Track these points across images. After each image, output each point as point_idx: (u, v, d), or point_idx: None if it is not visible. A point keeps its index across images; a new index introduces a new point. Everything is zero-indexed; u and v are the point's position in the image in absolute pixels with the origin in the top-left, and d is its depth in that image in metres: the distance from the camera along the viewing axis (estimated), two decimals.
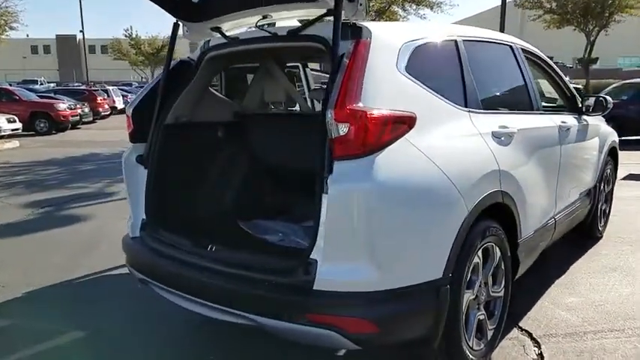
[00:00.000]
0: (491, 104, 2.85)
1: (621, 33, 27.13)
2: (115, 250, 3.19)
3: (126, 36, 43.02)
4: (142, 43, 42.92)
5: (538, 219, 3.06)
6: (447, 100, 2.41)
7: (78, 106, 19.45)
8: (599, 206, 4.49)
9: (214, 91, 3.49)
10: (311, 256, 2.04)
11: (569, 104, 3.99)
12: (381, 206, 1.95)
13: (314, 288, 2.00)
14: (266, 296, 2.09)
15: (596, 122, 4.29)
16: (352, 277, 1.98)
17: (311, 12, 2.57)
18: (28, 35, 58.28)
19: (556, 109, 3.84)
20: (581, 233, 4.36)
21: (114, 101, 25.87)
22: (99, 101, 22.96)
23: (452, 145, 2.31)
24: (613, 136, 4.66)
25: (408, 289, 2.03)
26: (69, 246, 4.78)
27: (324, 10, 2.42)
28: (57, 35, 70.72)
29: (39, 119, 17.29)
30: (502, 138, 2.65)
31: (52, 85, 38.64)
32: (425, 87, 2.28)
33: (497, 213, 2.51)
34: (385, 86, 2.12)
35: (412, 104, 2.18)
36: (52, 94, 21.75)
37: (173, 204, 2.91)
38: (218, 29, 2.86)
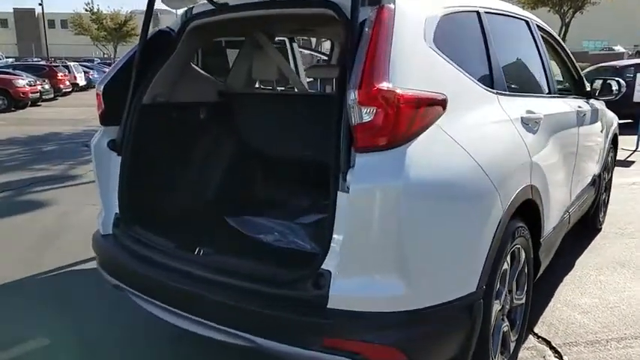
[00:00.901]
0: (514, 86, 2.56)
1: (584, 17, 27.34)
2: (82, 241, 2.81)
3: (87, 10, 41.16)
4: (103, 17, 41.19)
5: (558, 214, 2.81)
6: (475, 81, 2.09)
7: (38, 82, 18.50)
8: (601, 196, 4.31)
9: (197, 67, 3.07)
10: (323, 267, 1.70)
11: (577, 87, 3.74)
12: (415, 207, 1.62)
13: (328, 306, 1.66)
14: (269, 314, 1.75)
15: (601, 107, 4.07)
16: (375, 294, 1.65)
17: None
18: None
19: (566, 93, 3.58)
20: (583, 225, 4.16)
21: (75, 78, 24.70)
22: (60, 77, 21.82)
23: (485, 133, 2.01)
24: (615, 121, 4.46)
25: (441, 307, 1.72)
26: (31, 236, 4.33)
27: None
28: (14, 8, 67.36)
29: None
30: (530, 124, 2.36)
31: (10, 60, 36.66)
32: (454, 64, 1.95)
33: (524, 210, 2.22)
34: (414, 62, 1.78)
35: (442, 84, 1.85)
36: (10, 70, 20.55)
37: (151, 197, 2.52)
38: None
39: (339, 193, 1.67)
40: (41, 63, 26.69)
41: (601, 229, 4.46)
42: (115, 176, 2.43)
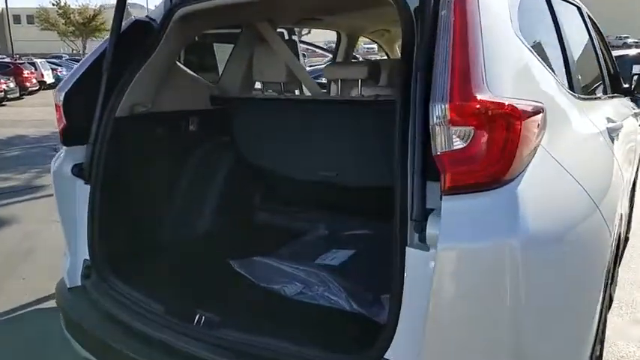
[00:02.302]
0: (585, 88, 2.09)
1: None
2: (47, 269, 2.20)
3: (53, 4, 39.62)
4: (71, 12, 39.70)
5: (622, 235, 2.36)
6: (560, 82, 1.61)
7: (2, 81, 17.55)
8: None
9: (183, 67, 2.50)
10: (386, 357, 1.20)
11: (615, 84, 3.30)
12: (539, 270, 1.13)
13: None
14: None
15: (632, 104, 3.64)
16: None
17: None
18: None
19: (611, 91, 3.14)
20: None
21: (42, 75, 23.58)
22: (26, 75, 20.78)
23: (582, 151, 1.53)
24: None
25: None
26: None
27: None
28: None
29: None
30: (613, 136, 1.89)
31: None
32: (541, 61, 1.47)
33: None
34: (508, 59, 1.29)
35: (537, 89, 1.37)
36: None
37: (130, 236, 1.97)
38: None
39: (411, 251, 1.16)
40: (5, 60, 25.40)
41: (628, 238, 4.06)
42: (83, 210, 1.88)
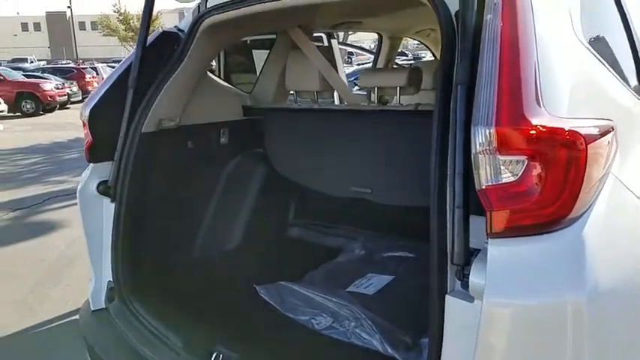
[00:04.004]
0: None
1: None
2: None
3: (114, 11, 41.41)
4: (130, 18, 41.34)
5: None
6: (636, 93, 1.37)
7: (65, 85, 18.58)
8: None
9: (215, 77, 2.41)
10: None
11: None
12: (611, 333, 0.95)
13: None
14: None
15: None
16: None
17: None
18: (18, 13, 56.02)
19: None
20: None
21: (103, 79, 24.64)
22: (87, 79, 21.80)
23: None
24: None
25: None
26: (35, 268, 3.81)
27: None
28: (47, 12, 68.75)
29: (25, 100, 16.56)
30: None
31: (42, 63, 37.22)
32: (611, 71, 1.24)
33: None
34: (571, 71, 1.07)
35: (607, 103, 1.15)
36: (39, 74, 20.62)
37: (155, 257, 1.89)
38: None
39: (451, 300, 0.98)
40: (70, 65, 26.82)
41: None
42: (108, 230, 1.81)
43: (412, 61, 11.74)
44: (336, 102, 3.14)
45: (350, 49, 6.32)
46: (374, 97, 2.21)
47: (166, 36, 1.97)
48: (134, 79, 1.81)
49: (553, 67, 1.00)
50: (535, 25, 1.01)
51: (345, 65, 10.97)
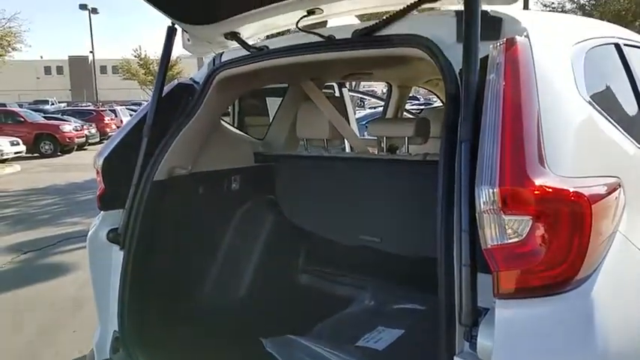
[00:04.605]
0: None
1: None
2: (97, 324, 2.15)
3: (135, 56, 42.83)
4: (150, 62, 42.69)
5: None
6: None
7: (84, 127, 19.04)
8: None
9: (227, 125, 2.46)
10: None
11: None
12: None
13: None
14: None
15: None
16: None
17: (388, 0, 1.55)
18: (42, 57, 58.33)
19: None
20: None
21: (121, 121, 25.27)
22: (106, 122, 22.38)
23: None
24: None
25: None
26: (43, 313, 3.79)
27: None
28: (69, 56, 71.31)
29: (44, 141, 16.93)
30: None
31: (62, 105, 38.33)
32: (618, 127, 1.25)
33: None
34: (575, 130, 1.08)
35: (613, 160, 1.15)
36: (59, 115, 21.23)
37: (162, 307, 1.87)
38: (235, 35, 1.86)
39: None
40: (89, 108, 27.61)
41: None
42: (116, 279, 1.81)
43: (423, 106, 11.89)
44: (347, 149, 3.17)
45: (361, 96, 6.44)
46: (383, 144, 2.24)
47: (182, 87, 2.04)
48: (149, 128, 1.85)
49: (556, 125, 1.01)
50: (537, 83, 1.03)
51: (357, 109, 11.13)
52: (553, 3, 19.43)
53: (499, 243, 0.91)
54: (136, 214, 1.82)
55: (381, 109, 4.31)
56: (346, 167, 2.33)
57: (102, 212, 1.90)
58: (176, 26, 1.90)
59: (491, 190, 0.91)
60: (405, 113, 4.01)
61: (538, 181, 0.90)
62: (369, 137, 3.18)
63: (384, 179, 2.13)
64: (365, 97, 6.61)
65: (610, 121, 1.22)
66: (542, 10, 19.79)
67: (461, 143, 1.04)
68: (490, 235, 0.92)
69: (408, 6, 1.42)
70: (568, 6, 19.38)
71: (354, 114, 4.10)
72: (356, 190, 2.20)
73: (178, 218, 2.01)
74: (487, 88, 1.05)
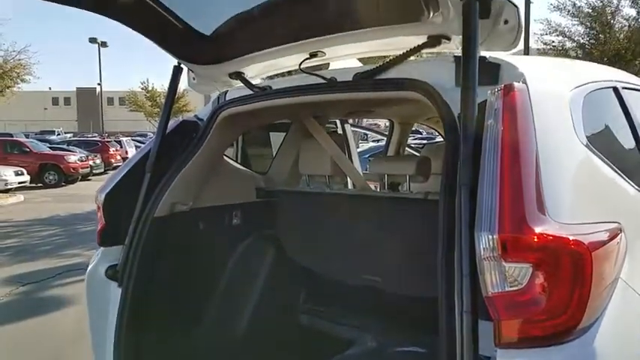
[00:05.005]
0: None
1: None
2: None
3: (142, 88, 43.53)
4: (157, 95, 43.33)
5: None
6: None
7: (89, 157, 19.18)
8: None
9: (230, 160, 2.48)
10: None
11: None
12: None
13: None
14: None
15: None
16: None
17: (391, 44, 1.59)
18: (50, 88, 59.37)
19: None
20: None
21: (127, 152, 25.52)
22: (111, 152, 22.60)
23: None
24: None
25: None
26: (39, 347, 3.75)
27: (421, 39, 1.42)
28: (77, 88, 72.54)
29: (48, 171, 17.03)
30: None
31: (68, 135, 38.77)
32: (619, 172, 1.25)
33: None
34: (573, 175, 1.09)
35: (613, 204, 1.15)
36: (65, 145, 21.46)
37: (159, 346, 1.84)
38: (239, 75, 1.90)
39: None
40: (95, 138, 27.92)
41: None
42: (113, 316, 1.79)
43: (425, 141, 11.95)
44: (349, 186, 3.18)
45: (364, 131, 6.50)
46: (385, 181, 2.25)
47: (186, 125, 2.07)
48: (152, 164, 1.87)
49: (555, 171, 1.01)
50: (536, 130, 1.04)
51: (360, 142, 11.14)
52: (553, 42, 19.51)
53: (500, 291, 0.90)
54: (135, 251, 1.82)
55: (384, 142, 4.36)
56: (348, 204, 2.33)
57: (101, 248, 1.90)
58: (182, 65, 1.94)
59: (490, 237, 0.91)
60: (407, 148, 4.03)
61: (538, 229, 0.89)
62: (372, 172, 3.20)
63: (386, 217, 2.12)
64: (368, 132, 6.68)
65: (609, 166, 1.23)
66: (542, 48, 20.09)
67: (460, 187, 1.04)
68: (491, 282, 0.91)
69: (408, 51, 1.45)
70: (568, 44, 19.50)
71: (357, 147, 4.12)
72: (357, 228, 2.19)
73: (178, 255, 2.00)
74: (485, 132, 1.06)
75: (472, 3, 1.14)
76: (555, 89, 1.25)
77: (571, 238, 0.90)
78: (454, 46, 1.44)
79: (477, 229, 0.94)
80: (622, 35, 18.69)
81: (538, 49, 22.20)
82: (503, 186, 0.95)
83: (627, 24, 18.50)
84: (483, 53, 1.25)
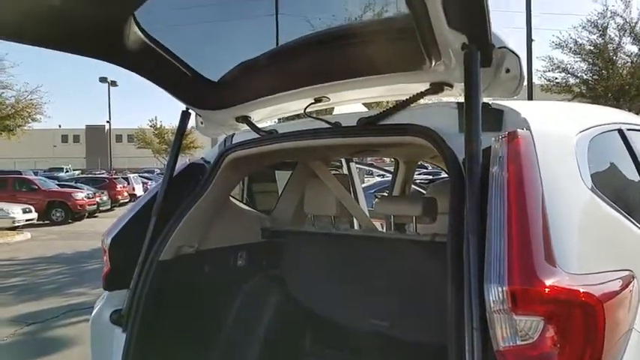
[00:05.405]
0: None
1: None
2: None
3: (151, 126, 44.13)
4: (165, 132, 43.87)
5: None
6: None
7: (96, 194, 19.31)
8: None
9: (235, 201, 2.49)
10: None
11: None
12: None
13: None
14: None
15: None
16: None
17: (394, 90, 1.61)
18: (60, 126, 60.44)
19: None
20: None
21: (133, 189, 25.69)
22: (118, 189, 22.76)
23: None
24: None
25: None
26: None
27: (424, 85, 1.44)
28: (87, 125, 73.68)
29: (55, 208, 17.08)
30: None
31: (76, 172, 39.17)
32: (627, 216, 1.24)
33: None
34: (581, 222, 1.08)
35: (625, 252, 1.13)
36: (73, 182, 21.66)
37: None
38: (246, 119, 1.93)
39: None
40: (103, 175, 28.17)
41: None
42: None
43: (431, 176, 11.94)
44: (355, 225, 3.17)
45: (369, 169, 6.53)
46: (391, 221, 2.23)
47: (193, 167, 2.09)
48: (158, 207, 1.88)
49: (562, 220, 1.00)
50: (542, 178, 1.04)
51: (366, 176, 11.12)
52: (556, 78, 19.64)
53: (511, 345, 0.88)
54: (140, 296, 1.81)
55: (390, 177, 4.35)
56: (354, 245, 2.31)
57: (106, 292, 1.89)
58: (190, 110, 1.98)
59: (500, 289, 0.90)
60: (412, 185, 4.01)
61: (548, 281, 0.88)
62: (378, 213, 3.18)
63: (392, 259, 2.10)
64: (373, 169, 6.71)
65: (618, 210, 1.22)
66: (546, 84, 20.17)
67: (468, 235, 1.04)
68: (501, 336, 0.90)
69: (411, 97, 1.48)
70: (571, 80, 19.63)
71: (363, 182, 4.10)
72: (363, 270, 2.17)
73: (182, 298, 1.98)
74: (491, 180, 1.06)
75: (473, 52, 1.16)
76: (560, 135, 1.25)
77: (582, 290, 0.89)
78: (457, 93, 1.46)
79: (486, 280, 0.93)
80: (625, 71, 18.78)
81: (541, 86, 22.34)
82: (511, 236, 0.94)
83: (630, 60, 18.63)
84: (486, 100, 1.27)
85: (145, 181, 28.76)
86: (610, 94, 21.10)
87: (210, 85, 1.87)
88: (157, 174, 38.03)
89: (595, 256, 1.02)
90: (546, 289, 0.88)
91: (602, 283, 0.93)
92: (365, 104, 2.06)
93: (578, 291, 0.88)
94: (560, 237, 0.96)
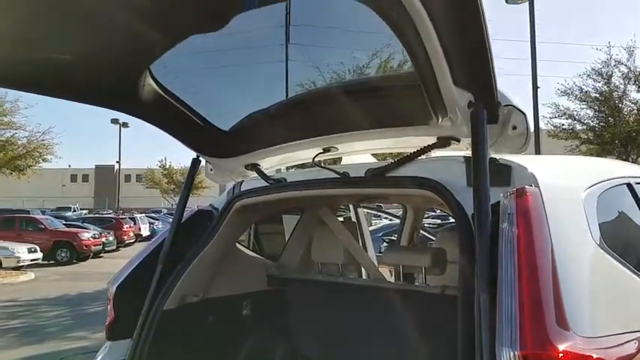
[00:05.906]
0: None
1: None
2: None
3: (160, 166, 44.55)
4: (174, 172, 44.20)
5: None
6: None
7: (102, 234, 19.25)
8: None
9: (243, 248, 2.47)
10: None
11: None
12: None
13: None
14: None
15: None
16: None
17: (402, 142, 1.63)
18: (70, 165, 61.14)
19: None
20: None
21: (140, 229, 25.66)
22: (125, 229, 22.74)
23: None
24: None
25: None
26: None
27: (431, 139, 1.46)
28: (96, 165, 74.49)
29: (60, 249, 17.01)
30: None
31: (84, 212, 39.33)
32: (635, 270, 1.22)
33: None
34: (594, 281, 1.06)
35: (636, 311, 1.11)
36: (80, 222, 21.69)
37: None
38: (255, 167, 1.94)
39: None
40: (110, 215, 28.17)
41: None
42: None
43: (439, 220, 11.83)
44: (363, 274, 3.12)
45: (377, 213, 6.51)
46: (400, 270, 2.19)
47: (201, 214, 2.09)
48: (165, 255, 1.87)
49: (573, 278, 0.99)
50: (551, 235, 1.03)
51: (374, 219, 11.06)
52: (563, 124, 19.69)
53: None
54: (143, 346, 1.77)
55: (398, 220, 4.30)
56: (362, 295, 2.27)
57: (109, 342, 1.85)
58: (200, 157, 2.00)
59: (512, 353, 0.87)
60: (421, 231, 3.96)
61: (561, 346, 0.86)
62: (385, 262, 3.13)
63: (400, 310, 2.06)
64: (380, 213, 6.69)
65: (629, 268, 1.20)
66: (552, 130, 20.19)
67: (479, 295, 1.02)
68: None
69: (418, 150, 1.49)
70: (578, 127, 19.65)
71: (370, 225, 4.05)
72: (371, 321, 2.12)
73: (186, 348, 1.94)
74: (501, 236, 1.05)
75: (479, 110, 1.18)
76: (568, 190, 1.25)
77: (595, 355, 0.86)
78: (464, 147, 1.47)
79: (497, 342, 0.90)
80: (632, 118, 18.80)
81: (548, 132, 22.36)
82: (522, 297, 0.92)
83: (636, 107, 18.68)
84: (493, 155, 1.28)
85: (152, 221, 28.73)
86: (617, 141, 21.05)
87: (221, 134, 1.90)
88: (164, 214, 38.12)
89: (607, 317, 1.00)
90: (560, 355, 0.85)
91: (616, 346, 0.91)
92: (374, 154, 2.08)
93: (592, 357, 0.86)
94: (571, 297, 0.94)
